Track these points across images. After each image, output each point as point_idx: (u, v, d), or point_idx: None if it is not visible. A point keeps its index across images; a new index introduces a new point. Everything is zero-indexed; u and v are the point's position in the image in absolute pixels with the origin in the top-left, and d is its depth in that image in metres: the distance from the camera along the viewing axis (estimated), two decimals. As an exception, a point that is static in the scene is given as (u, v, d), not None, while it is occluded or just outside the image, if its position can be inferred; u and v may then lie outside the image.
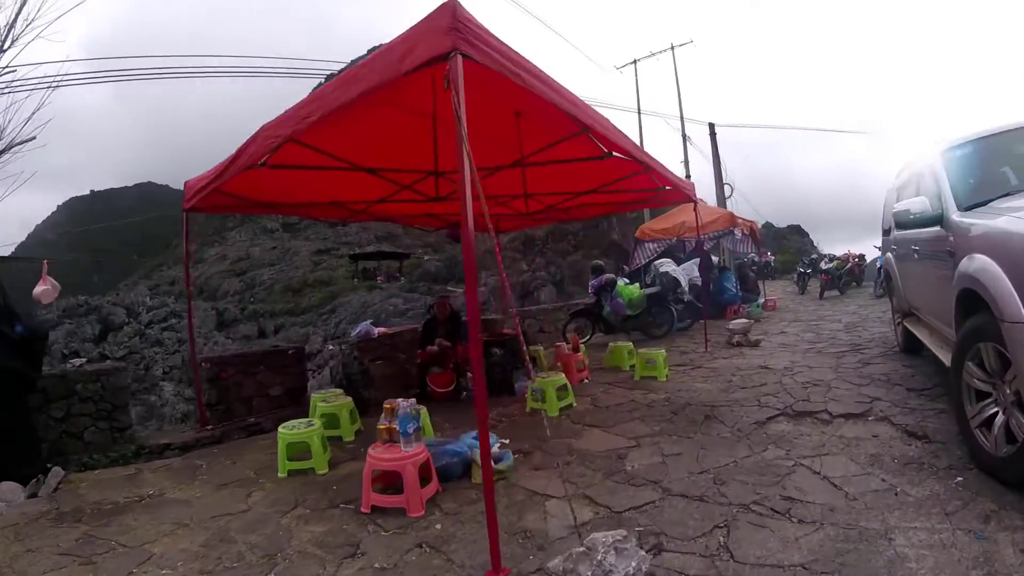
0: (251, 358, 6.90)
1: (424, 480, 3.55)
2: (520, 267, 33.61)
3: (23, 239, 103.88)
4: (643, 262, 12.61)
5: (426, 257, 50.33)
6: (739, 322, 8.92)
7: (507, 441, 4.71)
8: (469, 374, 7.14)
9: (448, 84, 2.60)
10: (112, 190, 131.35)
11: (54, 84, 7.73)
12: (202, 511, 3.66)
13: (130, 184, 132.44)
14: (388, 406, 3.82)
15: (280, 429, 4.53)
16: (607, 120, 4.61)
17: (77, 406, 5.33)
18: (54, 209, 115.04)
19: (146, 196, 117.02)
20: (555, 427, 5.04)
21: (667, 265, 10.94)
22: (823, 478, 3.26)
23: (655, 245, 12.56)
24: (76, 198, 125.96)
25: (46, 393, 5.17)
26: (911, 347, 6.30)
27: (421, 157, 5.76)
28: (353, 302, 36.88)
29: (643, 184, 6.51)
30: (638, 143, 21.21)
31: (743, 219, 12.94)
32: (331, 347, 8.49)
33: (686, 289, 10.66)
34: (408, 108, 4.70)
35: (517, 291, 29.43)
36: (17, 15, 7.38)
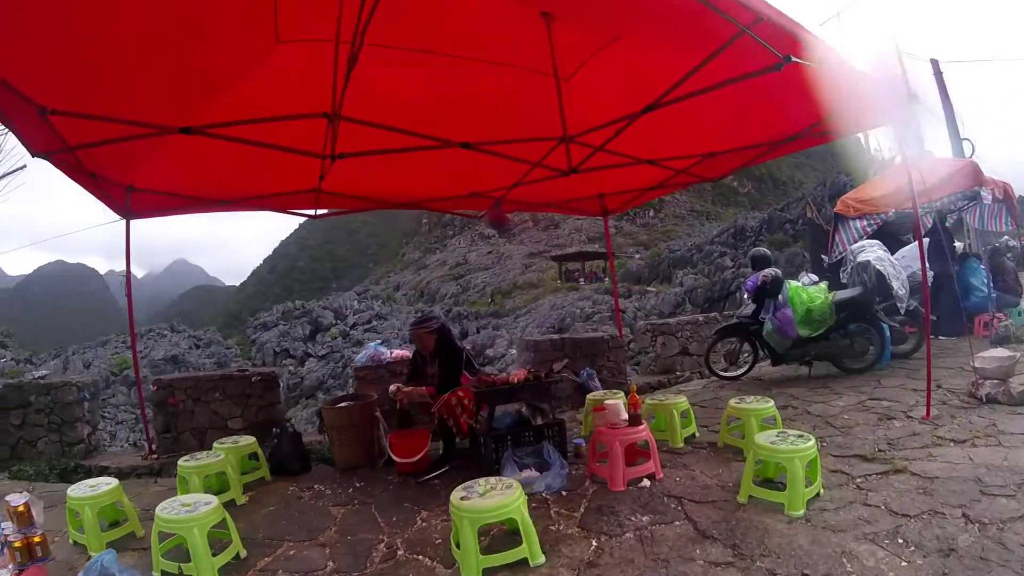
0: (205, 383, 5.49)
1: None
2: (724, 263, 28.61)
3: (269, 253, 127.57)
4: (848, 250, 8.16)
5: (636, 256, 47.71)
6: (994, 355, 4.50)
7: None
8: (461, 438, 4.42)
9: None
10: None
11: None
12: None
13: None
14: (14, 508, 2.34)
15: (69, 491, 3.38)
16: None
17: (32, 416, 5.42)
18: (296, 227, 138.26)
19: (379, 211, 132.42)
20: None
21: (871, 251, 6.43)
22: None
23: (864, 223, 8.01)
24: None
25: (4, 400, 5.37)
26: None
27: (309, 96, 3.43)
28: (544, 305, 35.67)
29: (742, 60, 3.02)
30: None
31: (992, 178, 7.52)
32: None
33: (904, 292, 6.18)
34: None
35: (716, 291, 24.75)
36: None
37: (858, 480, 3.24)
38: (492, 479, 2.83)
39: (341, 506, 3.70)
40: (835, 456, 3.58)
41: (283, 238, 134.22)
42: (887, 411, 4.49)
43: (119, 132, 3.47)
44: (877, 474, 3.30)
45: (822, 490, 3.07)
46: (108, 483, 3.47)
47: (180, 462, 4.02)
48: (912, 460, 3.38)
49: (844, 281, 6.64)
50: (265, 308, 49.30)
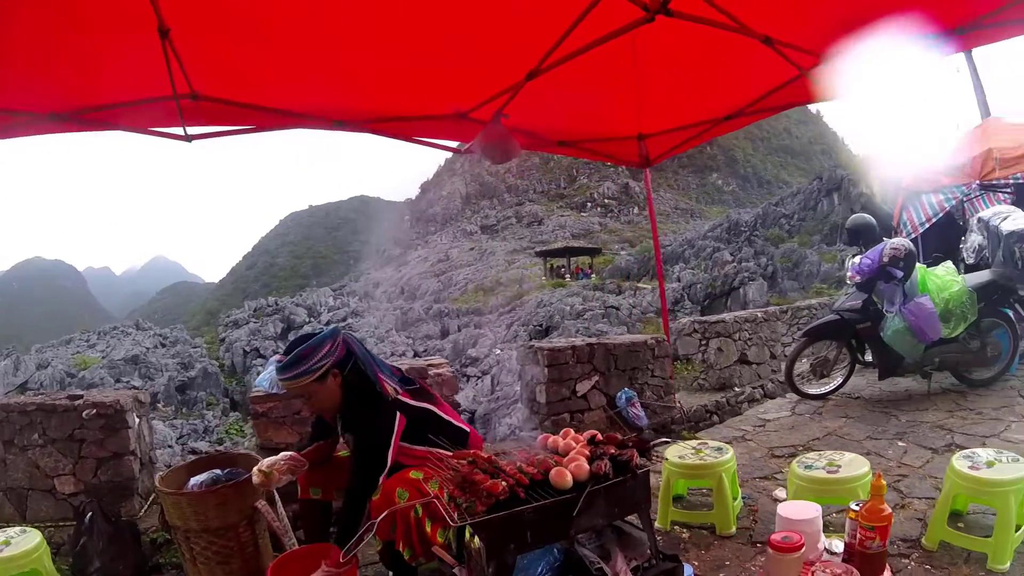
0: (16, 416, 3.33)
1: None
2: (723, 258, 26.85)
3: (248, 250, 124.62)
4: (919, 228, 6.27)
5: (623, 252, 46.53)
6: None
7: None
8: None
9: None
10: (329, 204, 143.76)
11: None
12: None
13: (345, 198, 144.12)
14: None
15: None
16: None
17: None
18: (276, 223, 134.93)
19: (360, 208, 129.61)
20: None
21: (1020, 218, 4.58)
22: None
23: (941, 198, 6.17)
24: (296, 212, 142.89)
25: None
26: None
27: None
28: (530, 302, 33.81)
29: None
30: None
31: None
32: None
33: None
34: None
35: (718, 286, 23.01)
36: None
37: None
38: None
39: None
40: None
41: (263, 234, 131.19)
42: None
43: None
44: None
45: None
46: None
47: None
48: None
49: (967, 260, 4.78)
50: (241, 306, 47.07)
